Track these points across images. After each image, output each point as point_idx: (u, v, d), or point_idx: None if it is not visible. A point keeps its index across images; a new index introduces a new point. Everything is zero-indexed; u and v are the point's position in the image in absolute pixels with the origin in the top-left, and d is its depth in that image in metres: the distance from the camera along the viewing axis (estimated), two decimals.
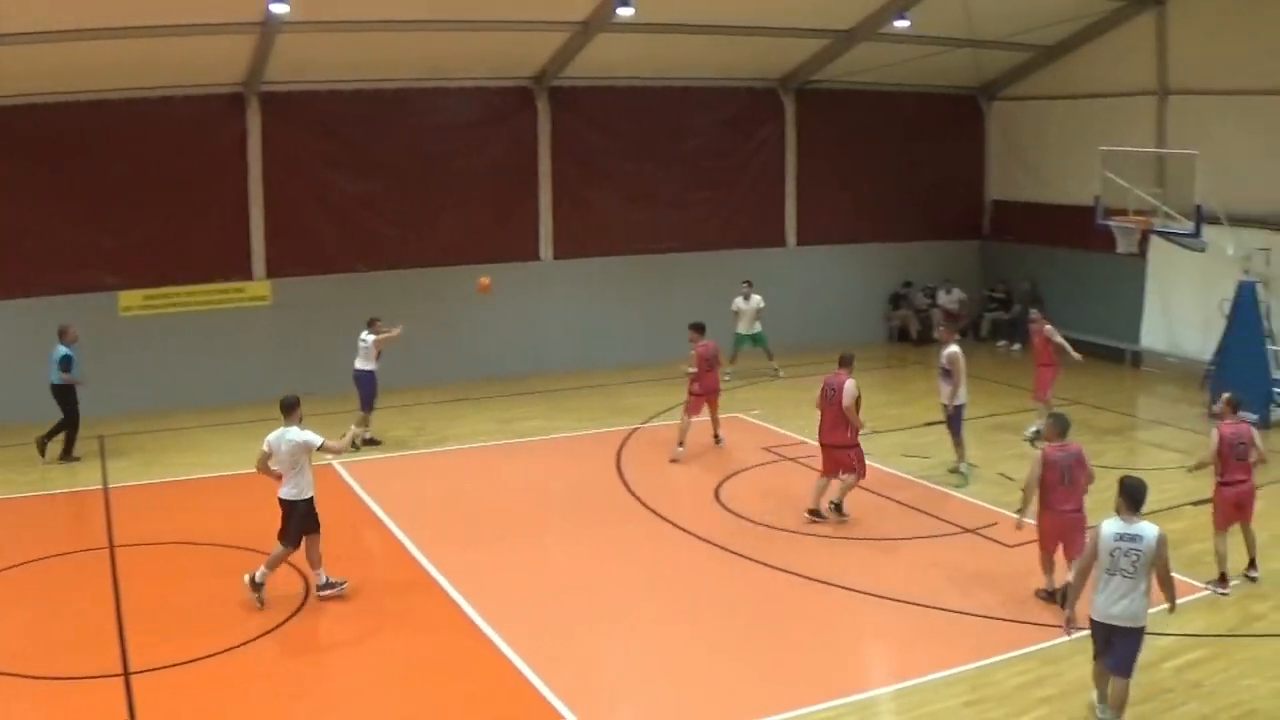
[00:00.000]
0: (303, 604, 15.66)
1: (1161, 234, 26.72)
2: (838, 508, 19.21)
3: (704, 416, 23.32)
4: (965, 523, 18.99)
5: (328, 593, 15.79)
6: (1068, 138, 33.30)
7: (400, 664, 13.95)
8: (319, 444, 15.59)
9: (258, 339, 27.39)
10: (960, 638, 14.75)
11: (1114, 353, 31.84)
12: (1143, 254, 29.39)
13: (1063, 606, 13.50)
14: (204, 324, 26.82)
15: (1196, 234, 24.66)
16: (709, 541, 18.02)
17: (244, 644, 14.42)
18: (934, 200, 35.95)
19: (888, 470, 21.77)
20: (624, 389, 28.37)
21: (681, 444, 22.70)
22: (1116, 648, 11.99)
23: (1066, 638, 12.85)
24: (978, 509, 19.73)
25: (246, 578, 15.55)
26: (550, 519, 19.75)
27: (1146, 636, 12.30)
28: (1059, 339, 23.85)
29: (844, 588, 16.20)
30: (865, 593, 16.06)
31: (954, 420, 21.38)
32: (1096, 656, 12.40)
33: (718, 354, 23.93)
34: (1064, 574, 15.12)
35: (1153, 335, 31.15)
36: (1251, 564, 16.60)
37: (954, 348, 21.30)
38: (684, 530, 18.54)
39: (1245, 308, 25.36)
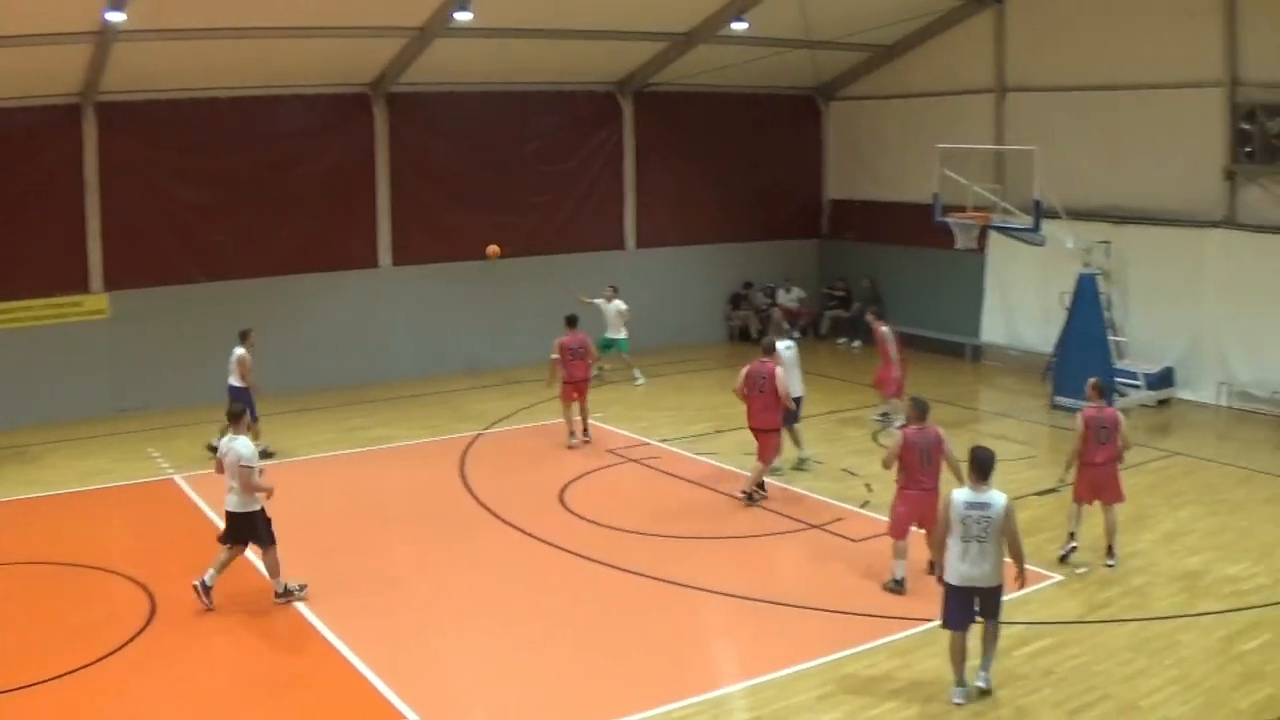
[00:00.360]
0: (147, 624, 15.19)
1: (1000, 229, 27.20)
2: (760, 487, 20.23)
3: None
4: (811, 519, 19.16)
5: (286, 600, 15.81)
6: (906, 136, 33.80)
7: (251, 680, 13.71)
8: (248, 463, 15.51)
9: (96, 353, 26.62)
10: (810, 632, 14.89)
11: (955, 347, 32.39)
12: (982, 249, 29.93)
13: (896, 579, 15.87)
14: (40, 339, 26.02)
15: (1035, 229, 25.10)
16: (555, 545, 17.95)
17: (88, 665, 13.93)
18: (773, 200, 36.30)
19: (732, 469, 21.92)
20: (466, 395, 28.17)
21: (572, 433, 23.52)
22: (984, 603, 12.92)
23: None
24: (823, 505, 19.92)
25: (196, 582, 15.48)
26: (396, 528, 19.54)
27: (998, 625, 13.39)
28: (889, 340, 24.61)
29: (693, 587, 16.23)
30: (714, 591, 16.11)
31: (790, 414, 21.48)
32: (953, 626, 13.01)
33: (585, 346, 24.09)
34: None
35: (993, 329, 31.73)
36: (1109, 551, 17.01)
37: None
38: (530, 535, 18.42)
39: (1086, 299, 25.95)
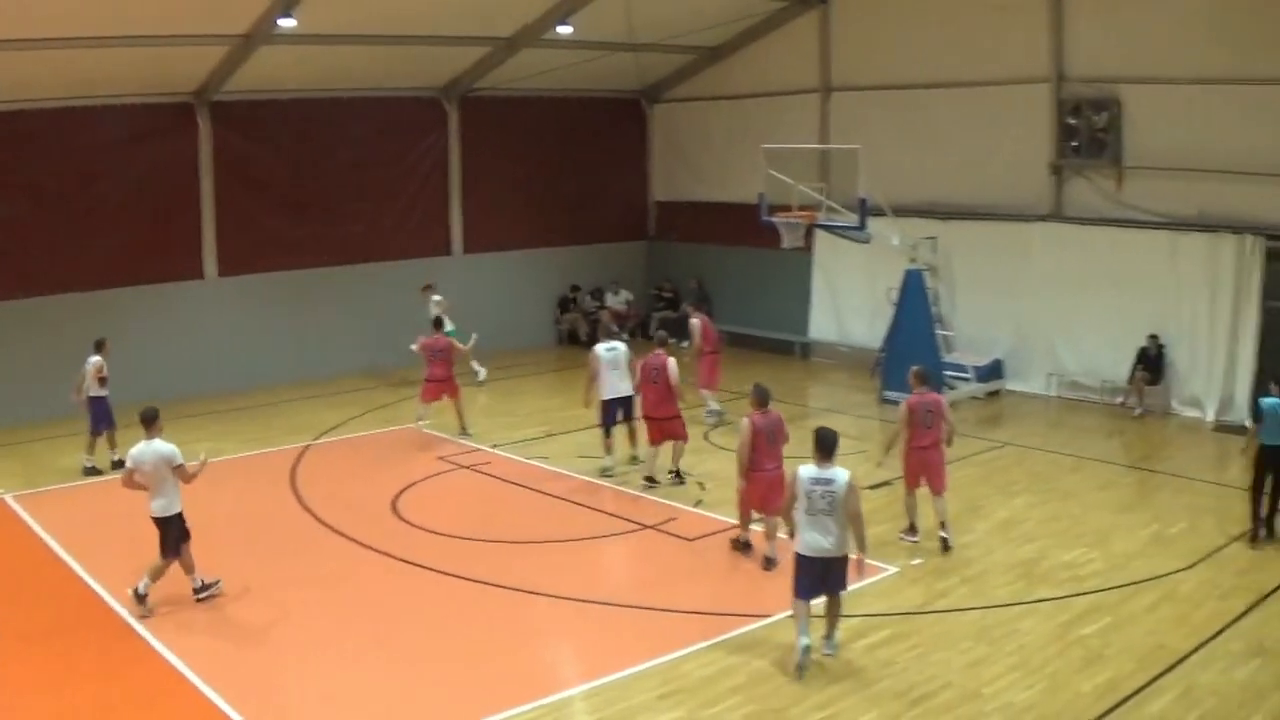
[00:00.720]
0: None
1: (826, 228, 27.26)
2: (677, 474, 20.87)
3: None
4: (645, 519, 19.02)
5: (205, 595, 15.87)
6: (731, 137, 33.94)
7: (89, 707, 13.05)
8: (179, 461, 15.60)
9: None
10: (648, 633, 14.75)
11: (784, 345, 32.55)
12: (808, 248, 29.98)
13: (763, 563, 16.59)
14: None
15: (861, 227, 25.16)
16: (389, 555, 17.55)
17: None
18: (599, 203, 36.27)
19: (564, 472, 21.82)
20: (294, 406, 27.48)
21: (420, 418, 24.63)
22: (833, 574, 13.57)
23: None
24: (656, 505, 19.80)
25: (130, 591, 15.41)
26: (228, 543, 18.74)
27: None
28: (696, 331, 24.99)
29: (530, 592, 15.99)
30: (551, 595, 15.90)
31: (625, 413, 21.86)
32: (803, 595, 13.55)
33: (449, 348, 24.44)
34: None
35: (821, 326, 31.92)
36: (944, 543, 17.20)
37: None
38: (363, 545, 17.99)
39: (912, 295, 26.15)
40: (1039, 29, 26.35)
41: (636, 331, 35.54)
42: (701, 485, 20.62)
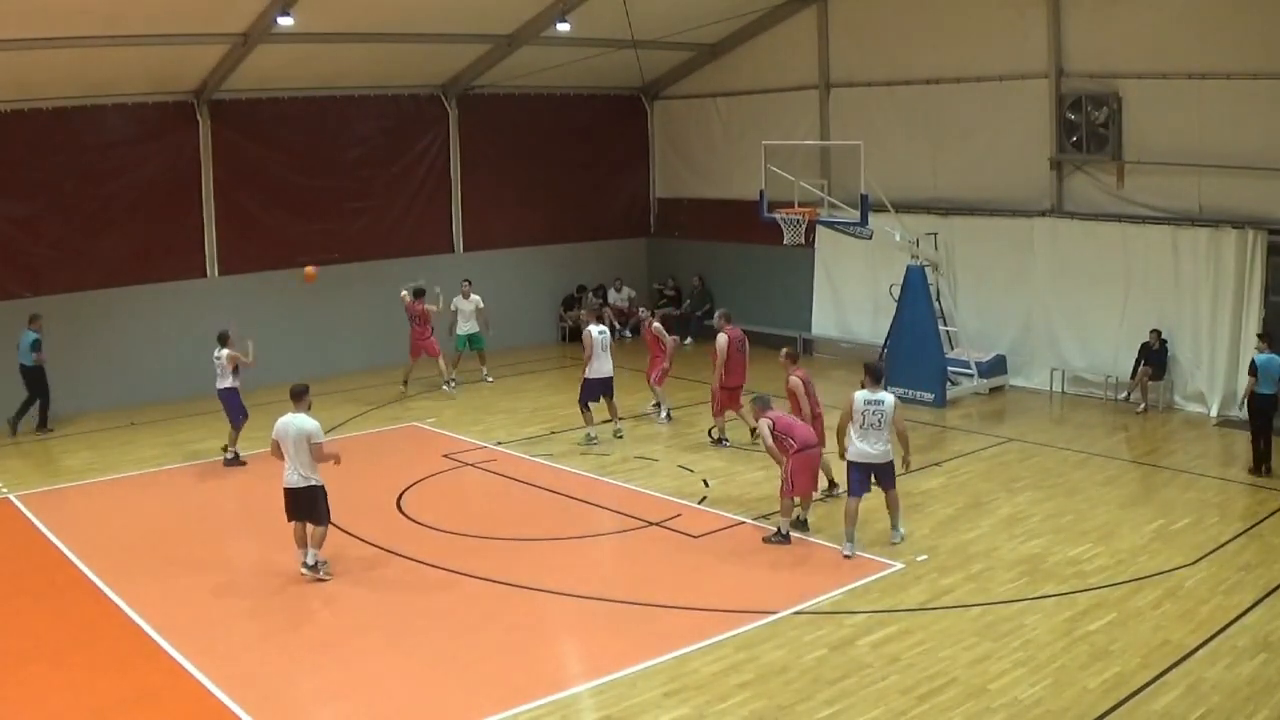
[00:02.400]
0: None
1: (828, 224, 27.29)
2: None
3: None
4: (650, 516, 18.99)
5: (313, 575, 16.40)
6: (731, 134, 34.01)
7: (99, 704, 13.00)
8: (320, 439, 16.33)
9: None
10: (655, 630, 14.71)
11: (786, 341, 32.15)
12: (809, 244, 29.91)
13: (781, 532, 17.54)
14: None
15: (863, 223, 25.14)
16: (395, 553, 17.55)
17: None
18: (601, 200, 36.30)
19: (568, 469, 21.82)
20: None
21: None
22: (880, 476, 17.12)
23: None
24: (662, 502, 19.78)
25: (303, 570, 16.39)
26: (235, 539, 18.94)
27: (839, 616, 14.81)
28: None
29: (536, 589, 15.97)
30: (557, 593, 15.88)
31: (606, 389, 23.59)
32: (855, 493, 16.95)
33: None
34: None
35: (824, 323, 31.93)
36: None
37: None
38: (368, 543, 17.99)
39: (915, 291, 26.10)
40: (1038, 24, 26.33)
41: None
42: (706, 483, 20.62)
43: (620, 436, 23.57)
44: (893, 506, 17.34)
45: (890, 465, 16.96)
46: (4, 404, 25.20)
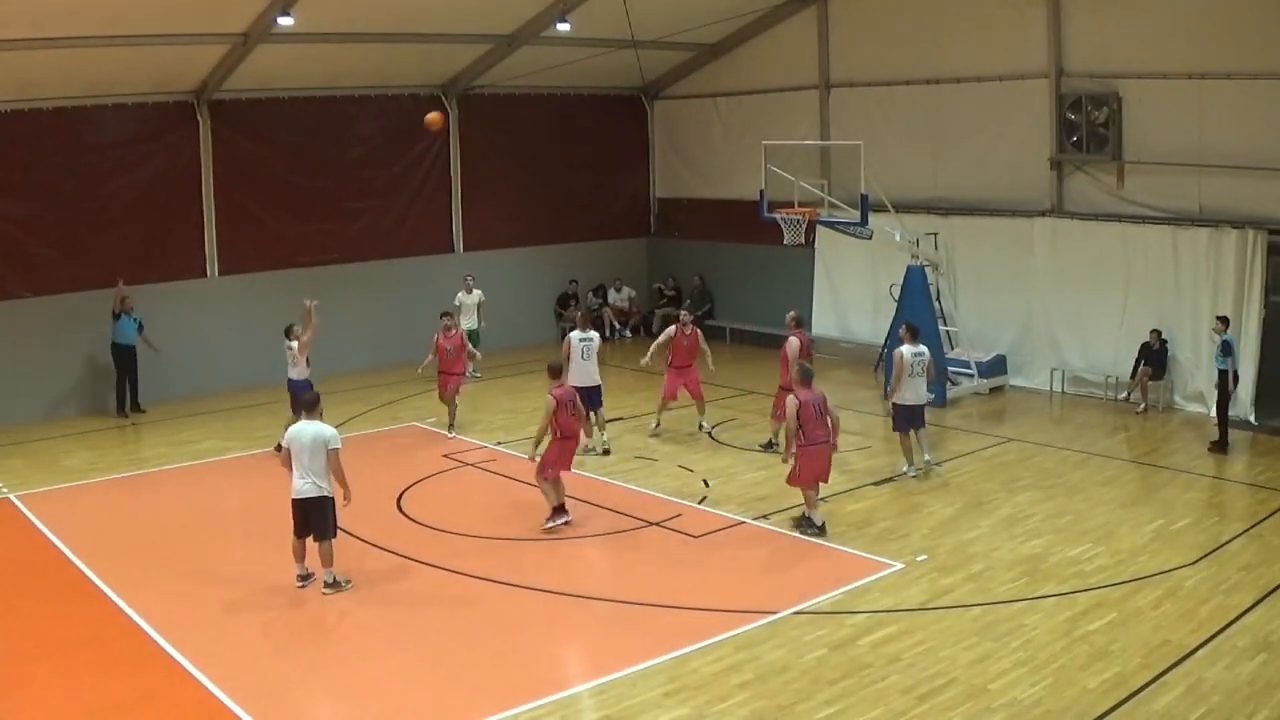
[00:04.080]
0: None
1: (828, 224, 27.30)
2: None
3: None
4: (650, 516, 18.99)
5: (331, 591, 16.06)
6: (731, 134, 34.04)
7: (99, 706, 12.98)
8: (338, 446, 15.93)
9: None
10: (655, 629, 14.71)
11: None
12: (810, 244, 29.89)
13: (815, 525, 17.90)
14: None
15: (863, 223, 25.14)
16: (395, 553, 17.53)
17: None
18: (601, 200, 36.34)
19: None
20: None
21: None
22: (917, 417, 20.95)
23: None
24: (661, 502, 19.80)
25: (325, 590, 16.01)
26: (235, 540, 18.84)
27: (839, 615, 14.84)
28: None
29: (536, 589, 15.97)
30: (557, 593, 15.88)
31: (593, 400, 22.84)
32: (902, 429, 20.95)
33: (461, 343, 24.85)
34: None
35: (824, 323, 31.85)
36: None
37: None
38: (368, 543, 17.93)
39: (915, 291, 26.06)
40: (1038, 24, 26.35)
41: (640, 328, 35.65)
42: (706, 483, 20.63)
43: (606, 453, 22.87)
44: (922, 439, 20.98)
45: (924, 407, 21.14)
46: (4, 401, 25.39)
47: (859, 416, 25.08)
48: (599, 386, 22.99)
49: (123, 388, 26.72)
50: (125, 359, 26.58)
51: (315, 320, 22.67)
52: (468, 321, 29.23)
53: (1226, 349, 21.83)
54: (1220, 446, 21.91)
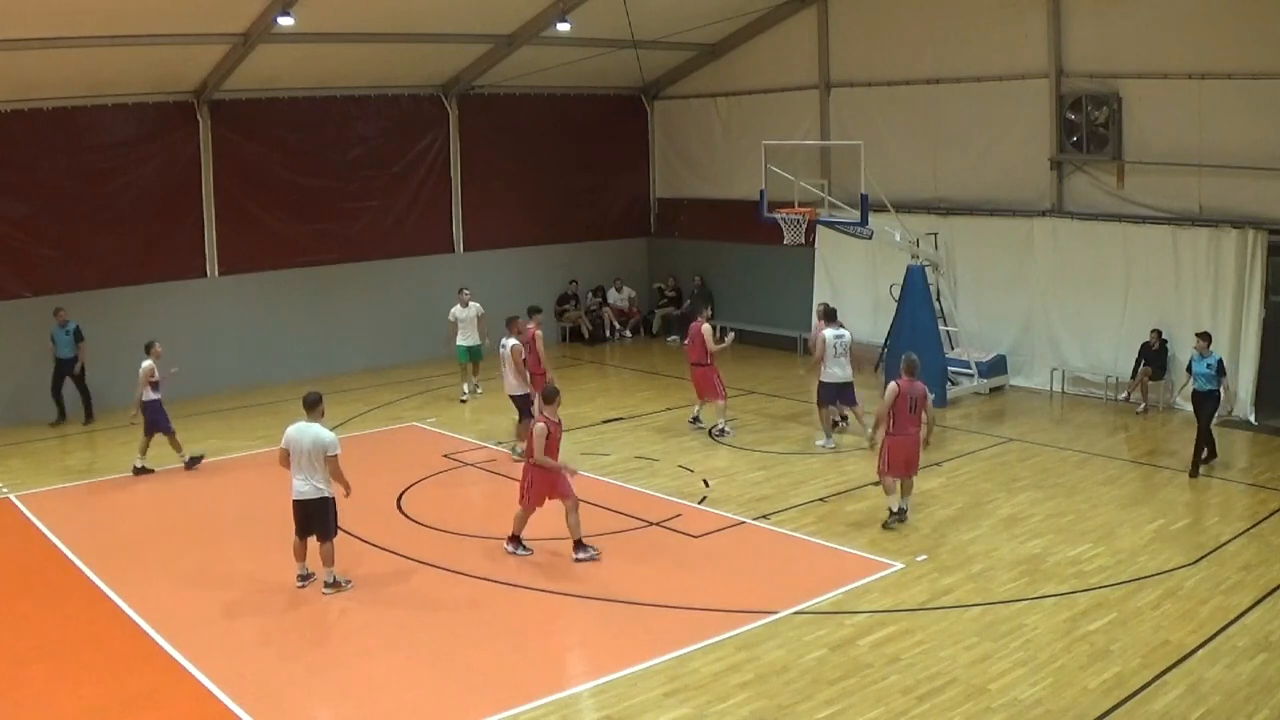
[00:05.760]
0: None
1: (828, 224, 27.30)
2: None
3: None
4: (650, 516, 18.98)
5: (331, 591, 16.00)
6: (732, 134, 34.05)
7: (99, 706, 12.99)
8: (335, 452, 15.88)
9: None
10: (654, 630, 14.72)
11: (786, 341, 32.48)
12: (810, 244, 29.88)
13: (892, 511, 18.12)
14: None
15: (863, 223, 25.12)
16: (395, 553, 17.54)
17: None
18: (601, 200, 36.37)
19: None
20: (297, 404, 27.12)
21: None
22: (846, 394, 22.30)
23: None
24: (661, 502, 19.80)
25: (325, 590, 15.95)
26: (235, 540, 18.79)
27: (839, 615, 14.89)
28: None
29: (535, 589, 15.98)
30: (557, 593, 15.89)
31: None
32: (824, 405, 22.63)
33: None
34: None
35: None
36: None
37: None
38: (368, 543, 17.95)
39: (915, 291, 26.04)
40: (1038, 24, 26.34)
41: (639, 328, 35.68)
42: (706, 483, 20.63)
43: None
44: (860, 416, 22.65)
45: (853, 386, 22.59)
46: (6, 397, 25.56)
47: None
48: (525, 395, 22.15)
49: (59, 397, 26.07)
50: (61, 371, 25.97)
51: (160, 377, 22.08)
52: (466, 338, 27.58)
53: (1221, 368, 21.01)
54: (1195, 470, 20.66)
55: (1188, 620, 14.42)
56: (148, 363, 21.88)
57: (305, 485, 15.82)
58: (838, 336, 22.42)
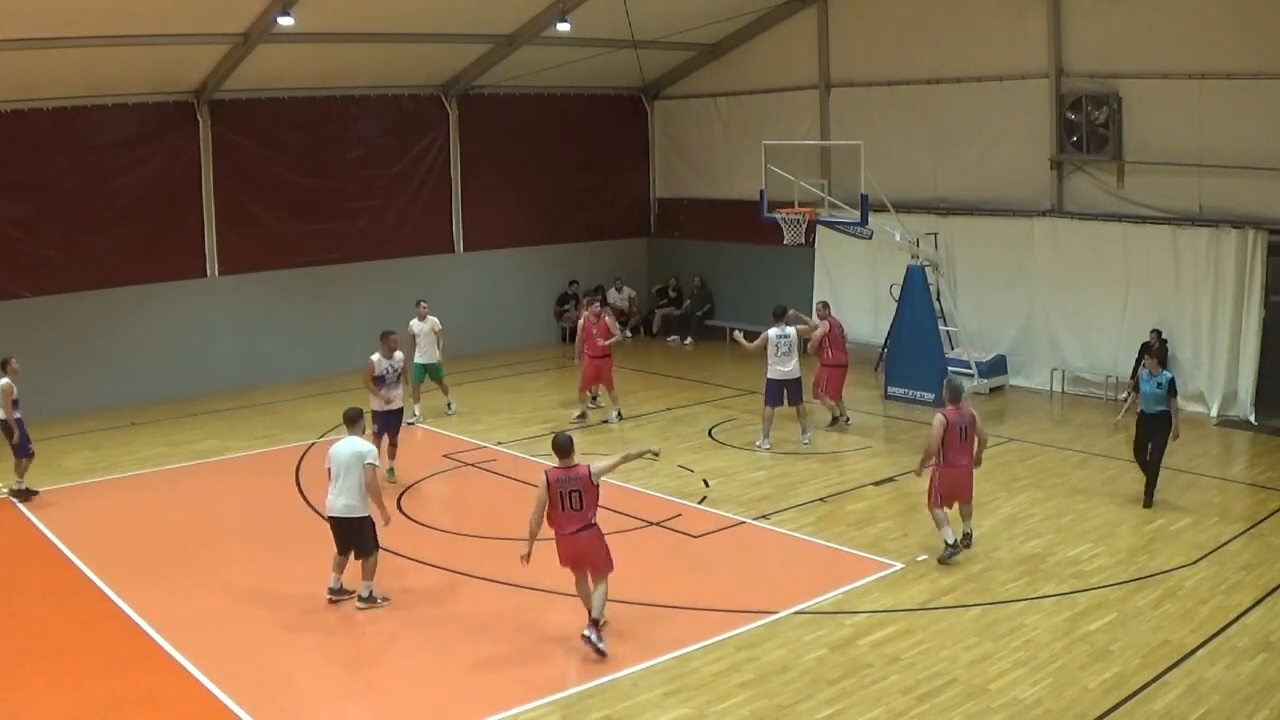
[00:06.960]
0: None
1: (828, 224, 27.31)
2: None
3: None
4: (650, 516, 18.97)
5: (365, 606, 15.64)
6: (732, 134, 34.04)
7: (99, 706, 12.99)
8: (374, 462, 15.55)
9: None
10: (655, 629, 14.73)
11: None
12: (810, 244, 29.88)
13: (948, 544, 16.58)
14: None
15: (863, 222, 25.14)
16: (396, 553, 17.41)
17: None
18: (601, 200, 36.37)
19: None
20: (297, 404, 27.48)
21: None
22: (793, 392, 23.05)
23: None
24: (662, 502, 19.79)
25: (360, 604, 15.56)
26: (235, 540, 18.84)
27: (839, 615, 14.85)
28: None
29: (537, 589, 15.90)
30: (557, 593, 15.77)
31: None
32: (771, 405, 22.80)
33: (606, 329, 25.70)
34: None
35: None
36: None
37: None
38: None
39: (915, 291, 26.08)
40: (1038, 24, 26.34)
41: (640, 328, 35.67)
42: (706, 483, 20.63)
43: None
44: (802, 416, 23.16)
45: (799, 383, 23.15)
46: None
47: (859, 416, 25.12)
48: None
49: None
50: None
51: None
52: (422, 355, 25.54)
53: (1173, 388, 18.93)
54: (1149, 500, 19.05)
55: (1188, 620, 14.42)
56: (5, 380, 20.51)
57: (339, 501, 15.49)
58: (781, 335, 23.19)
